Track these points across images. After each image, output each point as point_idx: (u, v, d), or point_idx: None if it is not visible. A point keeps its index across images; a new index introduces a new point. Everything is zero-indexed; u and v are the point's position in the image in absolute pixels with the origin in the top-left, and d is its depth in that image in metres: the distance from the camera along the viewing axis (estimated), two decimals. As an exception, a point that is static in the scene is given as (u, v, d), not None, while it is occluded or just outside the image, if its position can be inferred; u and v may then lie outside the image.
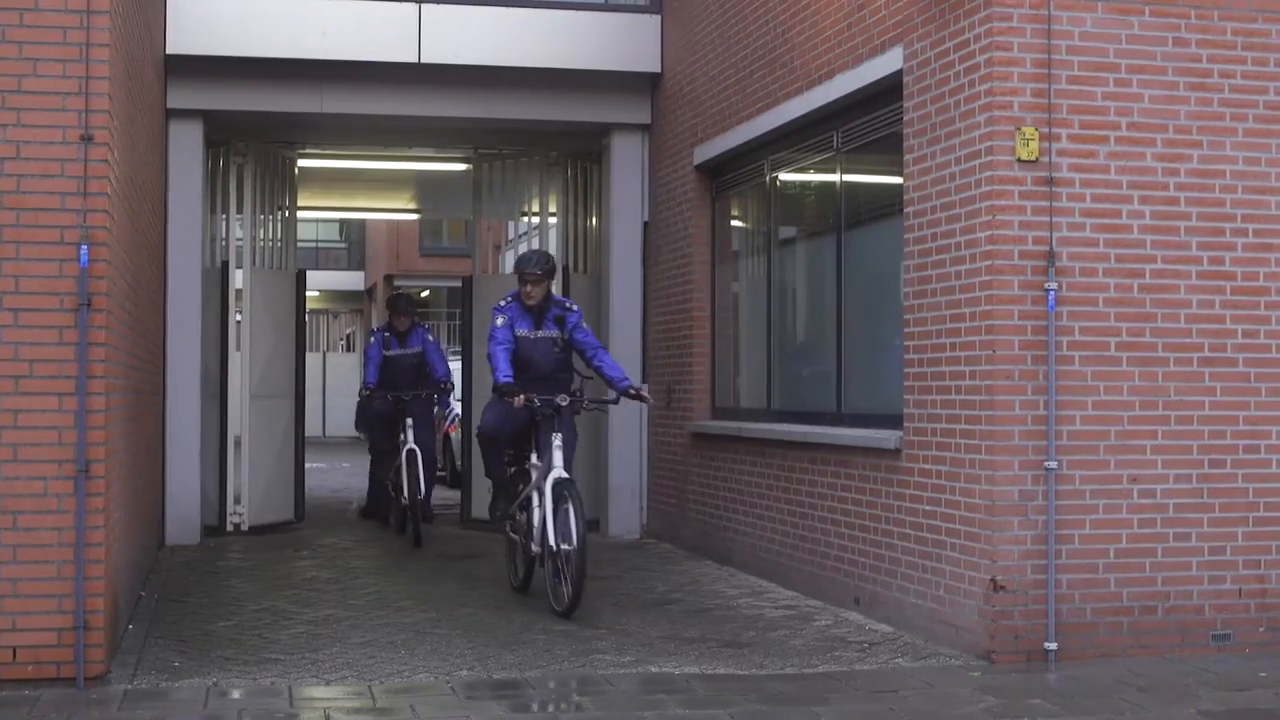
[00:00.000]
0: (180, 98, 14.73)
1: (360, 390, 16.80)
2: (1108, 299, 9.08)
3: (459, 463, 18.88)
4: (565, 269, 16.59)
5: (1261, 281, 9.33)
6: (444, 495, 21.29)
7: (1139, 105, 9.18)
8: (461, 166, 18.31)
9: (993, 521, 8.91)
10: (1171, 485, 9.15)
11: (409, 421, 15.69)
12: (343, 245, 47.75)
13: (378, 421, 16.65)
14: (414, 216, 30.32)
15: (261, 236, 16.54)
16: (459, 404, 18.33)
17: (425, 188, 22.43)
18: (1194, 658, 8.98)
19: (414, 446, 15.41)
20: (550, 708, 7.86)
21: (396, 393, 15.77)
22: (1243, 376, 9.29)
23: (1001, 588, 8.85)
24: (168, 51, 14.30)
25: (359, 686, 8.25)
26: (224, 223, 16.22)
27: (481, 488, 16.59)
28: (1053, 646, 8.83)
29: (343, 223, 45.82)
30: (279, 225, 16.95)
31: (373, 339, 16.71)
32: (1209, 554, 9.22)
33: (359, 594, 11.71)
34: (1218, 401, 9.24)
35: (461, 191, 19.13)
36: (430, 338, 16.75)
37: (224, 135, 15.90)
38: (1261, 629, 9.25)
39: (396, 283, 38.79)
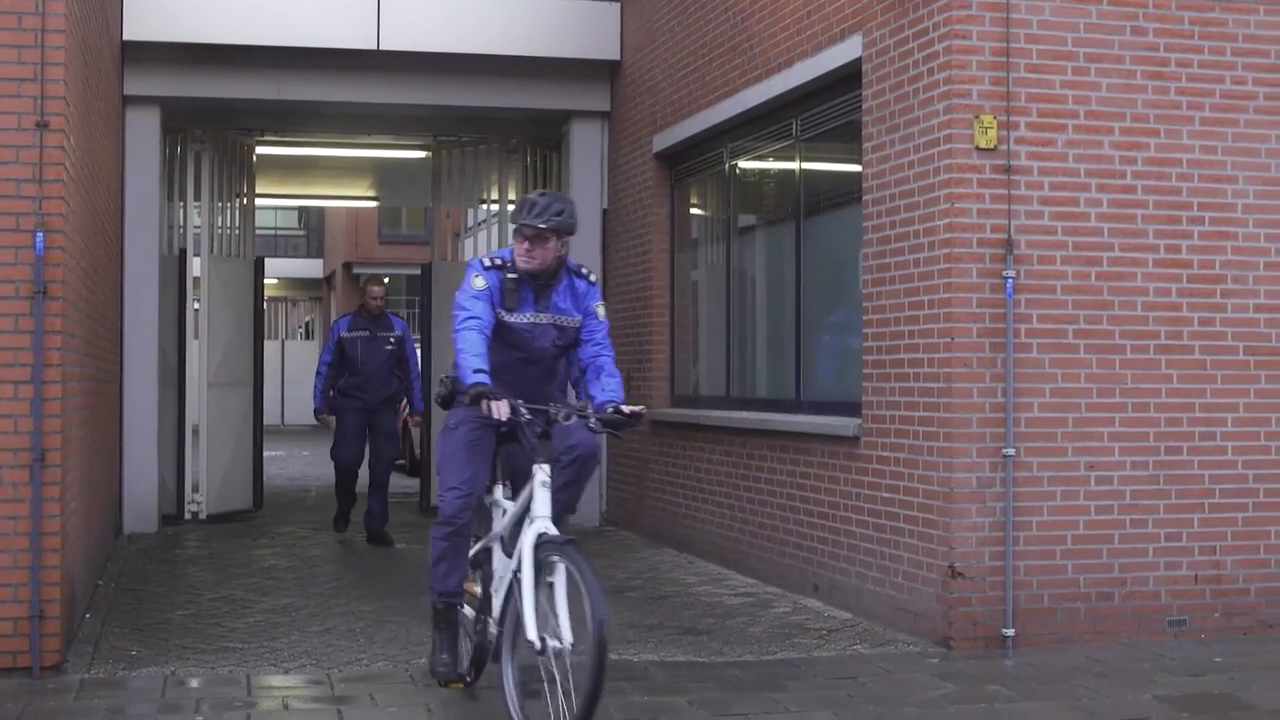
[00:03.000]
0: (137, 84, 14.65)
1: (318, 419, 14.57)
2: (1065, 286, 9.11)
3: (418, 451, 18.84)
4: (524, 257, 16.54)
5: (1217, 269, 9.38)
6: (403, 483, 21.26)
7: (1097, 94, 9.21)
8: (420, 154, 18.29)
9: (951, 508, 8.94)
10: (1128, 472, 9.19)
11: (376, 436, 14.20)
12: (301, 233, 47.60)
13: (344, 433, 14.30)
14: (373, 204, 30.22)
15: (219, 224, 16.47)
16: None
17: (384, 175, 22.38)
18: (1150, 643, 9.03)
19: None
20: (510, 694, 7.83)
21: (363, 397, 14.01)
22: (1199, 364, 9.33)
23: (959, 574, 8.88)
24: (124, 38, 14.22)
25: (317, 675, 8.23)
26: (181, 210, 16.16)
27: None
28: (1010, 633, 8.87)
29: (301, 210, 45.69)
30: (237, 213, 16.89)
31: (326, 337, 15.05)
32: (1165, 540, 9.26)
33: (317, 582, 11.68)
34: (1174, 388, 9.28)
35: (420, 179, 19.10)
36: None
37: (181, 122, 15.83)
38: (1217, 614, 9.31)
39: (355, 270, 38.67)
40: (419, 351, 15.94)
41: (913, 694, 7.77)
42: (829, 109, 10.92)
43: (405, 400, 14.79)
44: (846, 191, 10.68)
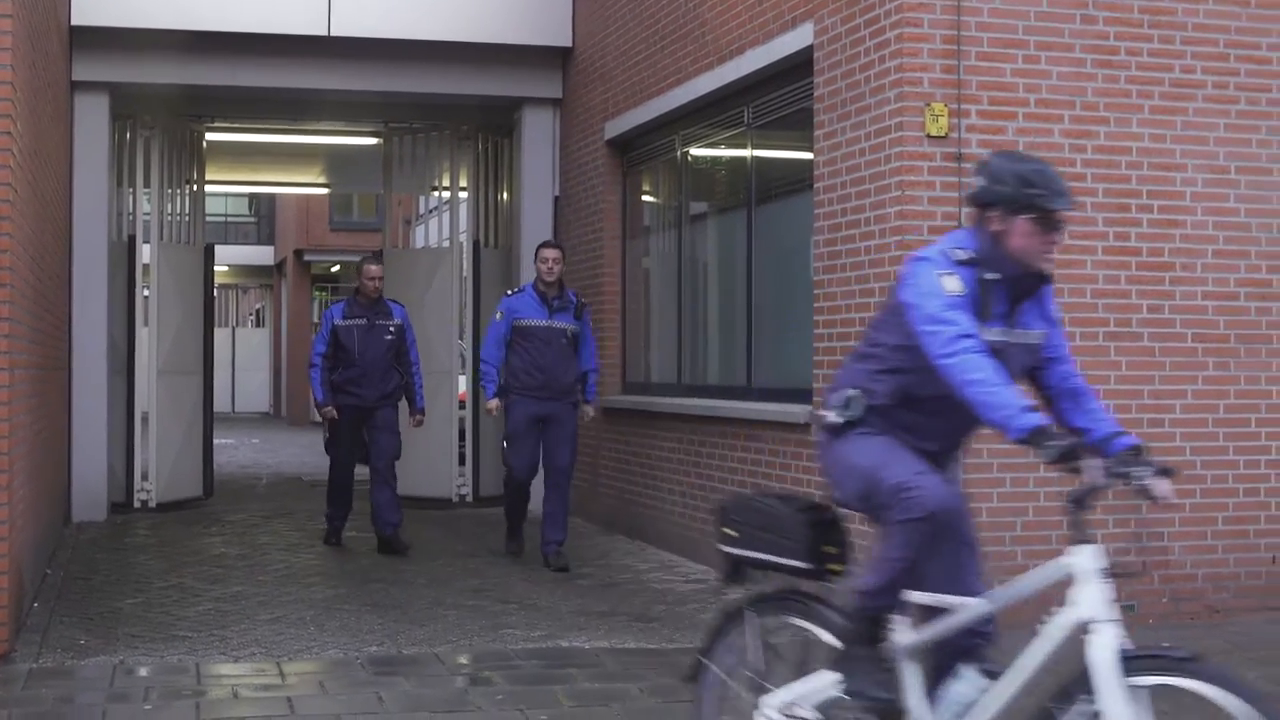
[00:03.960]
0: (86, 70, 14.56)
1: (321, 414, 13.08)
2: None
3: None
4: (476, 244, 16.55)
5: (1166, 257, 9.43)
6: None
7: (1047, 82, 9.24)
8: (372, 140, 18.22)
9: (901, 495, 8.94)
10: (1077, 459, 9.21)
11: (374, 432, 12.76)
12: (252, 219, 47.36)
13: (340, 433, 12.91)
14: (324, 190, 30.11)
15: (169, 210, 16.38)
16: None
17: (335, 161, 22.31)
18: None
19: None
20: (460, 682, 7.84)
21: (359, 393, 12.58)
22: (1147, 351, 9.39)
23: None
24: (73, 23, 14.13)
25: (267, 663, 8.20)
26: (131, 196, 16.04)
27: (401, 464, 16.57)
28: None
29: (252, 197, 45.43)
30: (187, 199, 16.79)
31: (319, 326, 13.31)
32: (1113, 526, 9.27)
33: (268, 570, 11.64)
34: (1123, 376, 9.33)
35: (372, 165, 19.03)
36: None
37: (130, 108, 15.73)
38: (1164, 600, 9.36)
39: (306, 257, 38.50)
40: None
41: (863, 680, 7.77)
42: (781, 96, 10.93)
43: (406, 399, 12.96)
44: (798, 179, 10.69)
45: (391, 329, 12.73)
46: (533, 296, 11.69)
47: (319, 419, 14.83)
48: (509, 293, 12.07)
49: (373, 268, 12.79)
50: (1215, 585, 9.49)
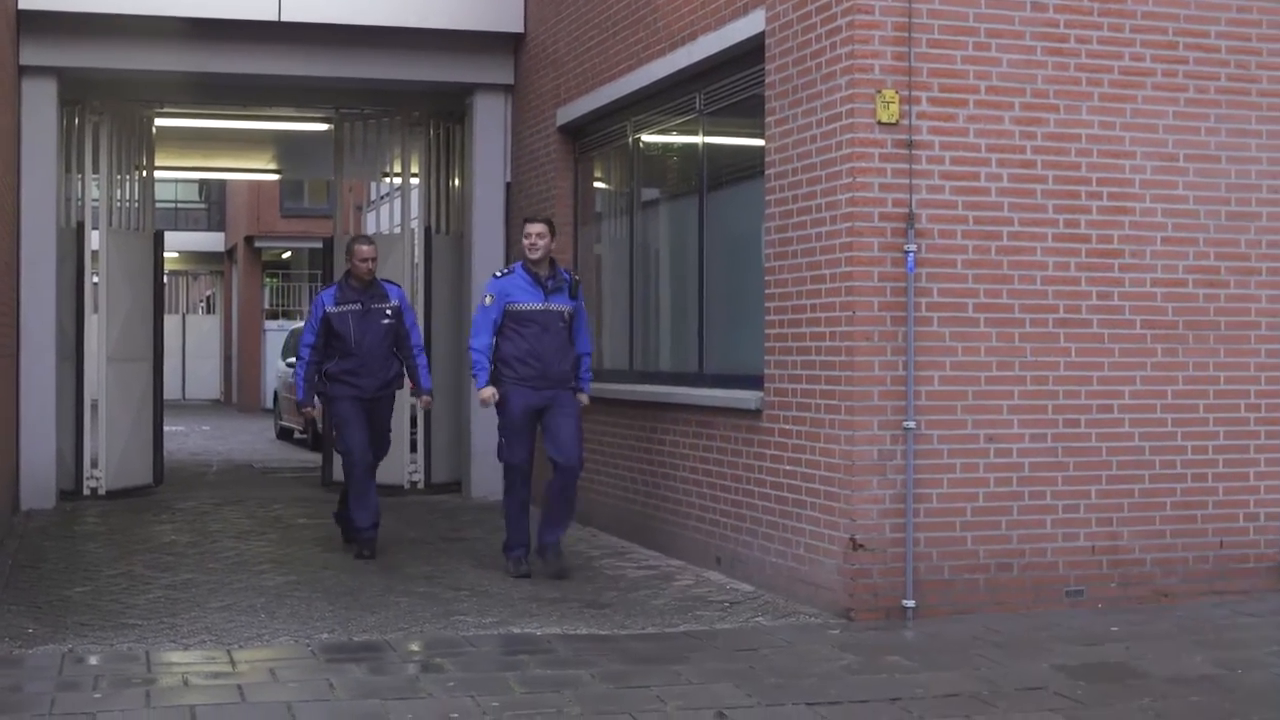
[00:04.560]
0: (33, 54, 14.45)
1: (301, 413, 12.40)
2: (966, 261, 9.17)
3: (319, 425, 18.72)
4: (427, 230, 16.52)
5: (1115, 244, 9.47)
6: (305, 458, 21.19)
7: (997, 69, 9.27)
8: (323, 126, 18.16)
9: (852, 481, 8.99)
10: (1027, 444, 9.28)
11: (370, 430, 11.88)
12: (202, 206, 47.10)
13: (345, 422, 11.81)
14: (275, 177, 29.99)
15: (118, 197, 16.28)
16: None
17: (286, 148, 22.20)
18: (1048, 613, 9.12)
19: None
20: (411, 670, 7.83)
21: (360, 384, 11.69)
22: (1097, 337, 9.43)
23: (860, 546, 8.94)
24: (20, 7, 14.02)
25: (217, 651, 8.16)
26: (80, 182, 15.95)
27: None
28: (911, 604, 8.93)
29: (202, 183, 45.20)
30: (136, 185, 16.70)
31: (309, 314, 12.15)
32: (1063, 512, 9.36)
33: (218, 558, 11.60)
34: (1073, 362, 9.38)
35: (323, 152, 18.97)
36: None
37: (79, 93, 15.63)
38: (1113, 584, 9.42)
39: (257, 244, 38.34)
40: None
41: (813, 665, 7.81)
42: (732, 83, 10.93)
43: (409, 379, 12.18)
44: (749, 165, 10.70)
45: (389, 312, 11.79)
46: (524, 277, 10.69)
47: (272, 406, 14.57)
48: (497, 274, 10.98)
49: (365, 248, 11.81)
50: (1163, 570, 9.55)
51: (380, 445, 12.00)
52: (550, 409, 10.67)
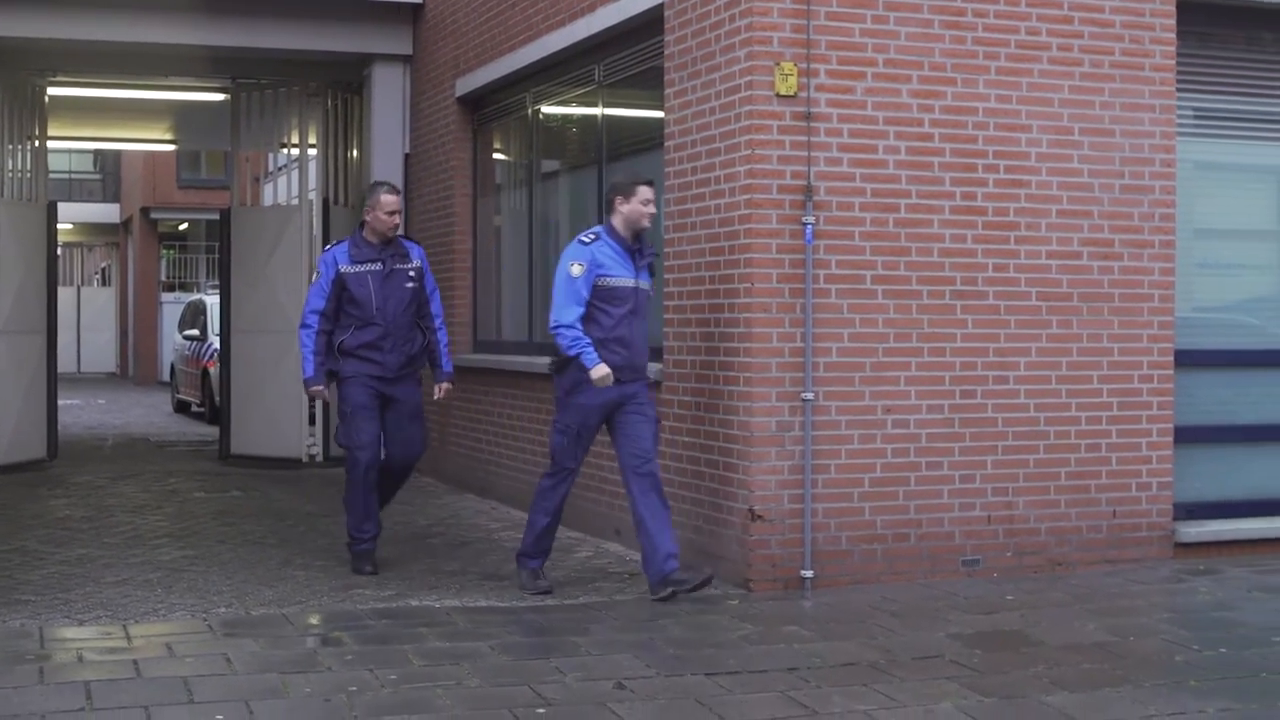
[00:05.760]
0: (-79, 21, 14.21)
1: (310, 393, 10.17)
2: (864, 233, 9.21)
3: (218, 398, 18.59)
4: (325, 201, 16.40)
5: (1011, 217, 9.55)
6: (203, 431, 21.02)
7: (895, 42, 9.30)
8: (219, 96, 17.98)
9: (750, 452, 9.02)
10: (924, 415, 9.34)
11: (395, 415, 9.98)
12: (97, 177, 46.51)
13: (357, 409, 9.81)
14: (171, 147, 29.67)
15: (10, 167, 16.05)
16: (218, 339, 18.04)
17: (182, 117, 21.94)
18: (945, 583, 9.20)
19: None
20: (310, 643, 7.79)
21: (382, 360, 9.78)
22: (993, 309, 9.51)
23: (759, 517, 8.97)
24: (-93, -27, 13.77)
25: (113, 626, 8.08)
26: (-30, 152, 15.70)
27: (245, 421, 16.43)
28: (809, 574, 8.98)
29: (97, 153, 44.64)
30: (28, 155, 16.46)
31: (317, 275, 10.00)
32: (959, 482, 9.44)
33: (114, 532, 11.48)
34: (969, 333, 9.45)
35: (220, 122, 18.78)
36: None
37: (-32, 61, 15.38)
38: (1009, 554, 9.51)
39: (153, 215, 37.90)
40: (213, 295, 15.54)
41: (712, 636, 7.84)
42: (632, 54, 10.92)
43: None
44: (649, 137, 10.69)
45: (412, 273, 9.92)
46: (613, 246, 8.93)
47: (169, 379, 14.30)
48: (584, 240, 8.98)
49: (392, 197, 9.88)
50: (1058, 539, 9.66)
51: (413, 437, 10.04)
52: (626, 405, 8.99)
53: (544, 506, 9.10)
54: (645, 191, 8.91)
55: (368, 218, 9.87)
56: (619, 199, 8.93)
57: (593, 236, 8.96)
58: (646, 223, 8.96)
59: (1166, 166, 9.90)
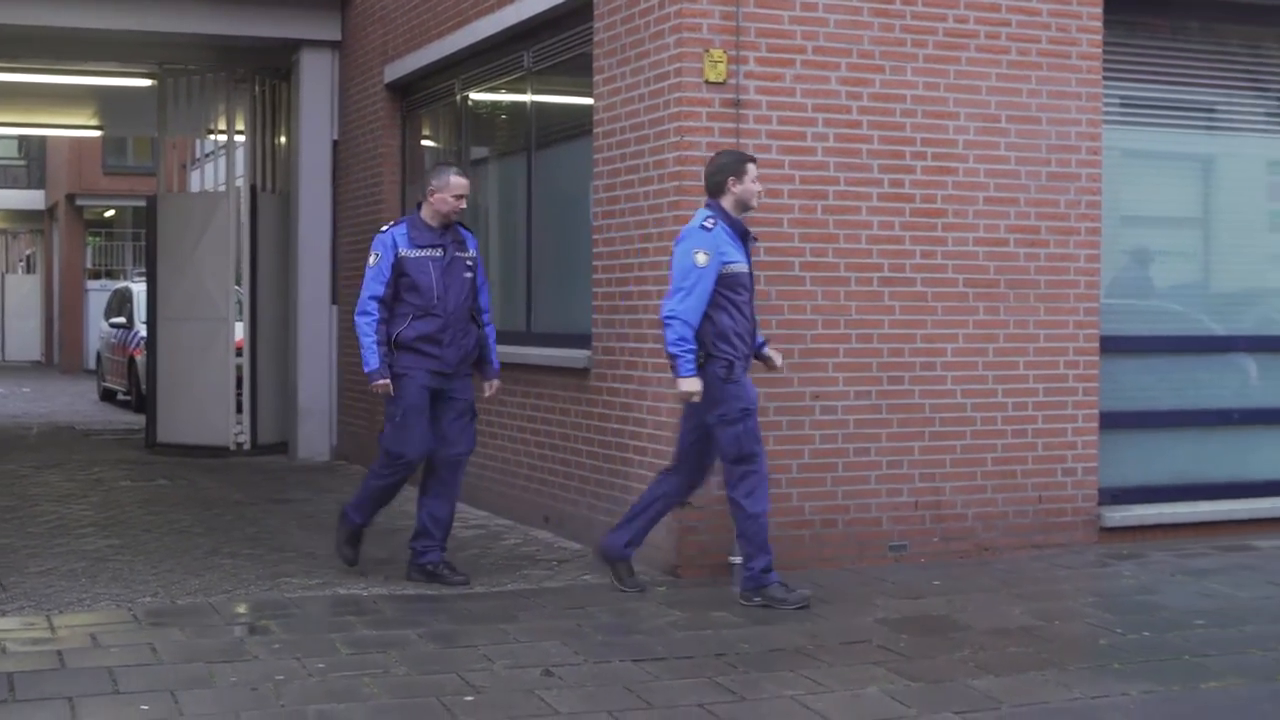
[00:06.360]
0: None
1: (376, 388, 9.02)
2: (792, 220, 9.23)
3: (144, 386, 18.45)
4: (253, 188, 16.29)
5: (939, 204, 9.59)
6: (129, 420, 20.87)
7: (824, 30, 9.32)
8: (146, 82, 17.81)
9: (680, 439, 9.01)
10: (852, 401, 9.37)
11: (448, 414, 9.13)
12: (21, 162, 46.03)
13: (411, 411, 8.98)
14: (97, 133, 29.41)
15: (-69, 152, 15.86)
16: (144, 326, 17.91)
17: (108, 103, 21.74)
18: (873, 569, 9.24)
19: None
20: (237, 632, 7.74)
21: (443, 354, 8.96)
22: (920, 296, 9.55)
23: (688, 504, 8.97)
24: None
25: (37, 617, 8.00)
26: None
27: (172, 410, 16.31)
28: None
29: (22, 139, 44.18)
30: (-50, 141, 16.27)
31: (375, 257, 9.07)
32: (887, 468, 9.48)
33: (37, 522, 11.37)
34: (897, 320, 9.49)
35: (146, 108, 18.60)
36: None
37: (-113, 45, 15.19)
38: (936, 539, 9.56)
39: (79, 202, 37.57)
40: (139, 284, 15.40)
41: (640, 622, 7.85)
42: (561, 41, 10.89)
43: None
44: (578, 124, 10.67)
45: (470, 263, 9.13)
46: (730, 232, 8.32)
47: (95, 367, 14.13)
48: (707, 225, 8.27)
49: (462, 180, 9.08)
50: (985, 524, 9.72)
51: (467, 435, 9.19)
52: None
53: (757, 511, 8.28)
54: (754, 169, 8.44)
55: (431, 199, 9.03)
56: (731, 179, 8.34)
57: (713, 221, 8.28)
58: (756, 203, 8.53)
59: (1093, 154, 9.97)
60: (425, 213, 9.06)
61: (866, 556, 9.39)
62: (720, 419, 8.26)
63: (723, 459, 8.37)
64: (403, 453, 8.95)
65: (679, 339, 8.14)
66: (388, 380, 8.88)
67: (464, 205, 9.07)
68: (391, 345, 8.91)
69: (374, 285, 8.94)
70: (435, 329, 8.91)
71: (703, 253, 8.15)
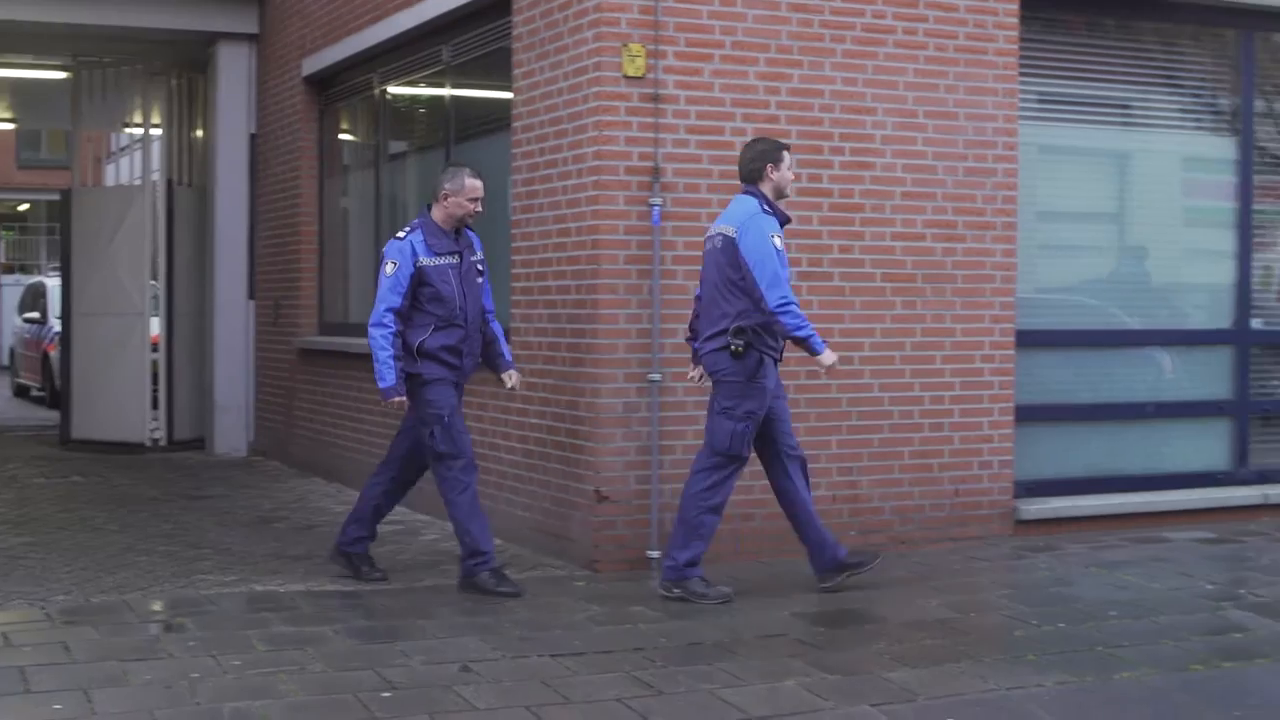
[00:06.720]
0: None
1: (386, 396, 8.59)
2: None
3: (58, 382, 18.27)
4: (170, 182, 16.16)
5: (856, 199, 9.62)
6: (43, 416, 20.66)
7: (743, 24, 9.33)
8: (60, 75, 17.61)
9: (597, 433, 9.02)
10: (770, 396, 9.38)
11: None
12: (-67, 156, 45.52)
13: (450, 414, 8.68)
14: (10, 126, 29.12)
15: None
16: (59, 322, 17.74)
17: (21, 96, 21.49)
18: (790, 561, 9.24)
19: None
20: (152, 630, 7.68)
21: (463, 364, 8.70)
22: (838, 290, 9.58)
23: (605, 498, 8.98)
24: None
25: (-53, 614, 7.93)
26: None
27: (87, 406, 16.16)
28: (655, 554, 8.99)
29: (-66, 132, 43.69)
30: None
31: (393, 265, 8.56)
32: (805, 462, 9.49)
33: (-51, 518, 11.26)
34: (815, 314, 9.47)
35: (60, 100, 18.39)
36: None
37: None
38: (853, 532, 9.59)
39: (-8, 196, 37.19)
40: (53, 278, 15.27)
41: (559, 617, 7.84)
42: (480, 35, 10.85)
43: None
44: (497, 118, 10.64)
45: (480, 267, 8.83)
46: (779, 218, 8.40)
47: (8, 363, 14.00)
48: (766, 210, 8.29)
49: (478, 183, 8.67)
50: (901, 518, 9.76)
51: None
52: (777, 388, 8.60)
53: (714, 504, 8.32)
54: (790, 157, 8.44)
55: (445, 202, 8.61)
56: (770, 166, 8.31)
57: (769, 206, 8.25)
58: (790, 191, 8.55)
59: (1009, 150, 10.03)
60: (438, 216, 8.66)
61: (784, 550, 9.39)
62: (733, 413, 8.22)
63: (709, 447, 8.33)
64: (460, 451, 8.62)
65: (799, 323, 8.06)
66: (403, 398, 8.56)
67: (480, 209, 8.69)
68: (415, 353, 8.55)
69: (391, 296, 8.51)
70: (457, 340, 8.61)
71: (777, 236, 8.14)
